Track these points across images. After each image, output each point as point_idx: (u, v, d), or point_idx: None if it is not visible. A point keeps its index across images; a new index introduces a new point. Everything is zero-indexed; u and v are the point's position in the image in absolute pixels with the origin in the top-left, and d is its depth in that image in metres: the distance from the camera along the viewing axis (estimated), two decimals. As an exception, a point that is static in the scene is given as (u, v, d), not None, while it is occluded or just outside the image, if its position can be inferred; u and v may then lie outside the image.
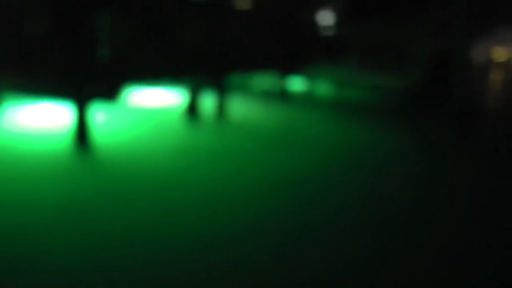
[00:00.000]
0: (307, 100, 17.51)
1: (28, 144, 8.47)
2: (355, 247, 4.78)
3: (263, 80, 19.20)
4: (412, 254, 4.67)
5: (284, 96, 17.02)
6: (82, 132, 8.38)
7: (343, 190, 6.71)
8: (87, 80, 8.53)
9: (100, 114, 10.96)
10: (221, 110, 12.27)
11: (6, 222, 5.05)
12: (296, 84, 19.20)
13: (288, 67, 17.75)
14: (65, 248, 4.45)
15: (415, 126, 12.96)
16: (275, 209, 5.80)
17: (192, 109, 11.78)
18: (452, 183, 7.43)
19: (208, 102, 12.83)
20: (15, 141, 8.67)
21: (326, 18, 21.18)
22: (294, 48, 18.47)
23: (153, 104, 13.67)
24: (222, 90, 12.43)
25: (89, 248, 4.48)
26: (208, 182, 6.78)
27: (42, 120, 10.39)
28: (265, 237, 4.93)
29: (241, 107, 13.78)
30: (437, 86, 16.37)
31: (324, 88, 19.83)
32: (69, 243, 4.56)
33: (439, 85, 16.07)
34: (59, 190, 6.16)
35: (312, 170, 7.75)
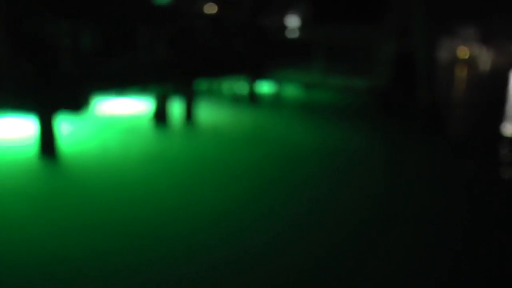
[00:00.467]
0: (275, 102, 17.69)
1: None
2: (324, 240, 4.93)
3: (232, 85, 19.27)
4: (387, 242, 4.84)
5: (252, 99, 17.15)
6: (48, 142, 8.33)
7: (313, 186, 6.87)
8: (51, 92, 8.50)
9: (67, 125, 10.88)
10: (189, 115, 12.33)
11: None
12: (265, 87, 19.36)
13: (256, 71, 17.87)
14: (34, 257, 4.48)
15: (381, 124, 13.24)
16: (243, 209, 5.90)
17: (160, 116, 11.81)
18: (415, 177, 7.66)
19: (176, 108, 12.86)
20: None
21: (293, 22, 21.43)
22: (262, 52, 18.60)
23: (121, 112, 13.62)
24: (190, 95, 12.47)
25: (57, 258, 4.52)
26: (178, 185, 6.84)
27: (7, 133, 10.25)
28: (240, 236, 5.03)
29: (209, 112, 13.84)
30: (401, 86, 16.71)
31: (292, 90, 20.02)
32: (38, 252, 4.58)
33: (404, 85, 16.41)
34: (24, 198, 6.13)
35: (281, 168, 7.88)
